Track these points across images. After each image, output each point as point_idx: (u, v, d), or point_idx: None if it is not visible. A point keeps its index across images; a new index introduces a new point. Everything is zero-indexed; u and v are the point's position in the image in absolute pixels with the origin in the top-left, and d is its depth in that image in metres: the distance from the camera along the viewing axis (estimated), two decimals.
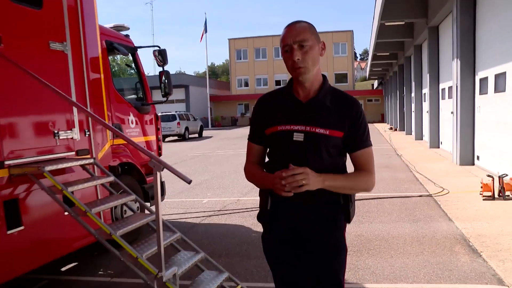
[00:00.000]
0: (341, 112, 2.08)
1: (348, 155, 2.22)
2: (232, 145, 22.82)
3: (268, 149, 2.26)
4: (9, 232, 3.71)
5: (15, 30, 3.93)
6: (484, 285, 4.00)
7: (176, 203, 8.43)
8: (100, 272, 4.90)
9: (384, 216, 6.57)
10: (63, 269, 5.06)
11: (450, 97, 13.27)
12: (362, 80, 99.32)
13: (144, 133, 6.53)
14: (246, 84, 56.71)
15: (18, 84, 3.87)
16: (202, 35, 40.32)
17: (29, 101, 4.00)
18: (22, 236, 3.82)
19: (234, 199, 8.64)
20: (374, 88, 66.48)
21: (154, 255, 3.63)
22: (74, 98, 4.52)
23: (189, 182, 3.13)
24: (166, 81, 6.48)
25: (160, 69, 6.45)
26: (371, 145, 2.16)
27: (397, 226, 5.96)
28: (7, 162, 3.70)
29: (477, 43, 10.73)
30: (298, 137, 2.04)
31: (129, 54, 6.36)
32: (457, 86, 11.33)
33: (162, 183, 6.75)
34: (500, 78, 9.03)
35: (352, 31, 54.83)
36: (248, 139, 2.31)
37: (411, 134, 21.97)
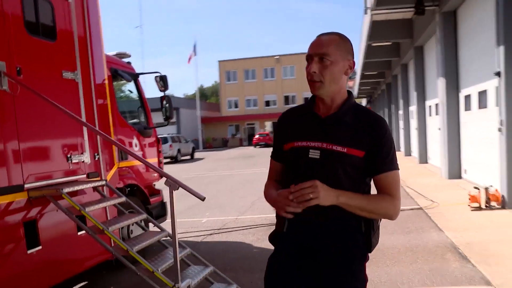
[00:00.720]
0: (362, 130, 1.91)
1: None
2: (225, 166, 23.06)
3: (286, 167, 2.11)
4: (29, 251, 3.93)
5: (32, 62, 4.22)
6: (473, 286, 4.33)
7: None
8: None
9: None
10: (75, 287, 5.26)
11: (436, 113, 13.74)
12: None
13: (147, 156, 6.80)
14: (236, 105, 57.28)
15: (35, 112, 4.15)
16: (191, 57, 40.88)
17: (45, 127, 4.28)
18: (40, 255, 4.04)
19: (233, 217, 8.88)
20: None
21: (167, 269, 3.90)
22: (83, 121, 4.80)
23: (203, 199, 3.42)
24: (167, 105, 6.80)
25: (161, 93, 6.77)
26: (398, 168, 1.96)
27: (391, 238, 6.26)
28: (26, 186, 3.95)
29: (459, 62, 11.25)
30: (314, 154, 1.91)
31: (132, 80, 6.66)
32: (443, 103, 11.80)
33: (164, 204, 7.01)
34: (482, 95, 9.50)
35: None
36: (271, 156, 2.19)
37: (400, 151, 22.44)
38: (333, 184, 1.85)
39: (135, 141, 6.47)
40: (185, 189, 3.52)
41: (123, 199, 4.54)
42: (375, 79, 31.16)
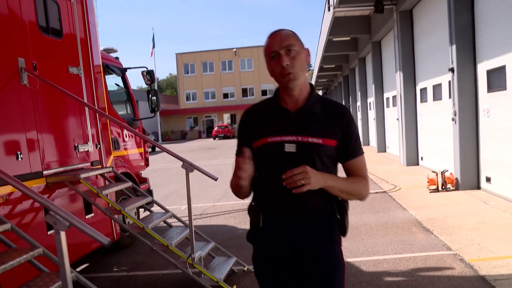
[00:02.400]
0: (332, 120, 1.98)
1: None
2: (188, 157, 23.20)
3: (255, 164, 1.98)
4: (49, 233, 4.30)
5: (44, 58, 4.55)
6: (437, 252, 5.10)
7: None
8: (114, 269, 5.52)
9: (349, 210, 7.58)
10: (78, 269, 5.62)
11: (394, 105, 14.72)
12: None
13: (135, 145, 7.18)
14: (194, 98, 57.26)
15: (49, 104, 4.51)
16: (152, 50, 40.64)
17: (57, 119, 4.64)
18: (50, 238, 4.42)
19: (210, 204, 9.37)
20: None
21: (177, 245, 4.39)
22: (87, 115, 5.18)
23: (216, 179, 3.94)
24: (154, 98, 7.20)
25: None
26: (363, 153, 2.07)
27: (362, 217, 6.98)
28: (45, 172, 4.31)
29: (416, 57, 12.20)
30: (290, 148, 1.91)
31: (122, 74, 7.01)
32: (401, 96, 12.74)
33: (151, 191, 7.43)
34: (437, 88, 10.44)
35: None
36: (235, 154, 2.08)
37: None
38: None
39: (125, 131, 6.84)
40: (200, 171, 4.03)
41: (129, 184, 4.96)
42: (332, 72, 32.20)
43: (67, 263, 2.37)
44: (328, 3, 14.06)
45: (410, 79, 12.32)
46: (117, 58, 7.15)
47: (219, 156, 21.76)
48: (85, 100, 5.21)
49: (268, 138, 1.96)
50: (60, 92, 4.63)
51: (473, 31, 8.26)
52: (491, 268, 4.43)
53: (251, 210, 2.09)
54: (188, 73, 57.03)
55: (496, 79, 7.58)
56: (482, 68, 8.02)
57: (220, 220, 7.80)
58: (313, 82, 48.11)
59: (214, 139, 44.38)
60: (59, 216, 2.19)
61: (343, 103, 30.13)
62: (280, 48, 1.91)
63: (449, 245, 5.28)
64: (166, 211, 5.02)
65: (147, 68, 7.08)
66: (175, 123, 52.98)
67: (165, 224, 5.10)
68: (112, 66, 6.70)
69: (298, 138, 1.92)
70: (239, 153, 2.03)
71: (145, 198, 4.90)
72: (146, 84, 7.15)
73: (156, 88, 7.22)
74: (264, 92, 55.92)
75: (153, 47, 41.28)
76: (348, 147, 2.00)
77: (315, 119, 1.97)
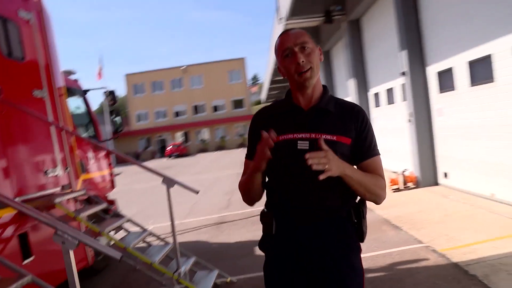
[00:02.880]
0: (346, 119, 1.90)
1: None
2: (145, 178, 22.99)
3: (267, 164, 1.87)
4: (24, 262, 4.15)
5: (8, 82, 4.42)
6: (410, 246, 5.34)
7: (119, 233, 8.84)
8: None
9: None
10: None
11: None
12: (255, 104, 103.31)
13: (101, 168, 7.04)
14: (146, 118, 56.45)
15: (16, 130, 4.38)
16: (100, 71, 39.68)
17: (25, 144, 4.51)
18: (33, 265, 4.27)
19: (178, 222, 9.23)
20: None
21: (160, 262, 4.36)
22: (54, 139, 5.06)
23: (197, 192, 3.95)
24: (116, 118, 7.11)
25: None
26: (380, 153, 1.97)
27: None
28: (16, 199, 4.18)
29: (367, 64, 12.71)
30: (303, 145, 1.82)
31: (83, 95, 6.89)
32: (355, 102, 13.17)
33: (119, 213, 7.28)
34: (390, 92, 10.91)
35: (244, 58, 57.56)
36: (245, 157, 2.05)
37: None
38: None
39: (91, 154, 6.70)
40: (181, 186, 4.02)
41: (105, 205, 4.88)
42: (283, 84, 32.79)
43: (77, 282, 2.32)
44: (280, 15, 14.39)
45: (363, 85, 12.80)
46: (76, 80, 7.02)
47: (177, 174, 21.52)
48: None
49: (280, 137, 1.84)
50: (29, 115, 4.53)
51: (421, 36, 8.74)
52: (462, 255, 4.69)
53: (263, 216, 1.98)
54: (137, 93, 56.24)
55: (446, 80, 8.04)
56: (433, 70, 8.49)
57: (191, 237, 7.76)
58: (264, 95, 48.61)
59: (168, 158, 43.84)
60: (67, 235, 2.13)
61: None
62: (294, 45, 1.84)
63: (419, 238, 5.53)
64: (144, 229, 4.97)
65: (108, 89, 6.99)
66: (127, 145, 51.89)
67: (144, 244, 5.04)
68: (73, 88, 6.58)
69: (311, 135, 1.84)
70: (250, 156, 1.99)
71: (122, 218, 4.83)
72: (109, 105, 7.04)
73: (118, 108, 7.13)
74: (215, 108, 56.01)
75: (102, 68, 40.34)
76: (363, 147, 1.91)
77: (329, 117, 1.90)
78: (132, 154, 51.01)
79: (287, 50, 1.86)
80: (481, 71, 6.87)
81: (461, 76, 7.46)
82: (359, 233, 1.91)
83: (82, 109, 7.25)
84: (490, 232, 5.34)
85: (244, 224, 8.17)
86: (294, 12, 12.80)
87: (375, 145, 1.95)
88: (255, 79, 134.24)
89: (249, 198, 2.00)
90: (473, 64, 7.12)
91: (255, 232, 7.35)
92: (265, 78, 35.12)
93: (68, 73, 7.12)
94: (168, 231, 8.41)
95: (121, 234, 5.49)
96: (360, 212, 1.91)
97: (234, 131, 53.81)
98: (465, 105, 7.45)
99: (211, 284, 4.47)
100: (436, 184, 8.81)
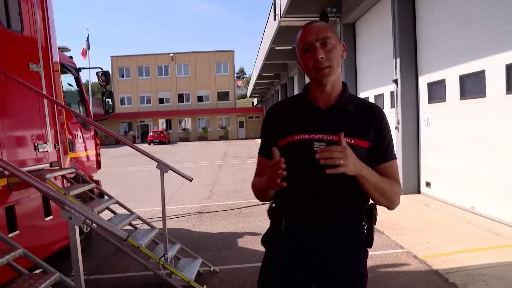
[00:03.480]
0: (365, 121, 1.83)
1: None
2: (125, 162, 22.89)
3: None
4: (9, 235, 4.10)
5: (5, 52, 4.34)
6: (392, 250, 5.46)
7: (105, 215, 8.77)
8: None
9: None
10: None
11: None
12: (239, 98, 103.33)
13: (88, 148, 6.98)
14: (129, 102, 55.85)
15: (11, 102, 4.32)
16: (84, 51, 39.04)
17: (18, 117, 4.45)
18: (17, 240, 4.21)
19: (159, 208, 9.16)
20: (254, 105, 69.83)
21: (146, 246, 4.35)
22: (47, 113, 4.99)
23: (191, 180, 3.96)
24: (108, 99, 7.05)
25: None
26: (396, 157, 1.92)
27: None
28: (6, 172, 4.12)
29: (358, 68, 12.84)
30: (319, 147, 1.72)
31: (77, 74, 6.80)
32: None
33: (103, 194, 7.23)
34: (379, 98, 11.04)
35: (234, 51, 57.44)
36: (258, 153, 2.01)
37: None
38: (340, 177, 1.65)
39: (79, 133, 6.64)
40: (175, 172, 4.02)
41: (93, 185, 4.85)
42: (270, 80, 32.85)
43: (80, 260, 2.32)
44: (275, 12, 14.41)
45: (352, 89, 12.91)
46: (71, 57, 6.92)
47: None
48: (45, 99, 5.04)
49: (295, 136, 1.80)
50: (24, 88, 4.45)
51: (416, 46, 8.88)
52: (442, 263, 4.81)
53: (272, 212, 1.93)
54: (123, 77, 55.58)
55: (436, 91, 8.19)
56: (424, 81, 8.64)
57: (172, 224, 7.74)
58: (250, 90, 48.46)
59: (149, 144, 43.50)
60: (75, 211, 2.12)
61: None
62: (316, 40, 1.76)
63: (401, 244, 5.65)
64: (132, 213, 4.96)
65: (102, 69, 6.92)
66: (108, 128, 50.03)
67: (129, 227, 5.02)
68: (68, 66, 6.49)
69: (328, 136, 1.76)
70: (263, 153, 1.96)
71: (109, 199, 4.81)
72: (101, 85, 6.97)
73: (111, 90, 7.07)
74: (200, 98, 55.81)
75: (88, 48, 39.71)
76: (381, 150, 1.85)
77: (348, 118, 1.83)
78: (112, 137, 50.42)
79: (307, 44, 1.78)
80: (473, 85, 7.02)
81: (452, 88, 7.60)
82: (369, 238, 1.89)
83: (74, 87, 7.16)
84: (470, 243, 5.49)
85: (226, 215, 8.20)
86: (290, 9, 12.85)
87: (392, 148, 1.90)
88: (241, 73, 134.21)
89: (262, 199, 1.94)
90: (465, 78, 7.26)
91: (238, 224, 7.40)
92: (253, 73, 35.13)
93: (63, 49, 7.02)
94: (149, 216, 8.41)
95: (105, 215, 5.48)
96: (372, 216, 1.89)
97: (217, 123, 53.71)
98: (453, 117, 7.60)
99: (195, 271, 4.49)
100: (418, 192, 8.97)
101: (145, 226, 5.17)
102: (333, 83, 1.83)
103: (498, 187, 6.40)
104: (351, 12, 11.89)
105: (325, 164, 1.57)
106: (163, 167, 3.96)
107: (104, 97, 7.07)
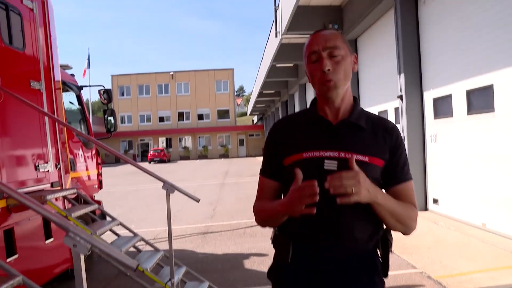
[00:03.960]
0: (380, 137, 1.67)
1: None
2: (126, 181, 22.72)
3: (285, 185, 1.65)
4: (8, 260, 3.94)
5: (6, 70, 4.24)
6: (404, 270, 5.27)
7: (107, 236, 8.59)
8: None
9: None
10: None
11: None
12: (239, 116, 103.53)
13: (90, 166, 6.83)
14: (129, 121, 55.88)
15: (11, 121, 4.20)
16: (85, 71, 39.22)
17: (18, 137, 4.32)
18: (16, 264, 4.05)
19: (162, 228, 9.05)
20: (255, 123, 69.87)
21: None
22: (48, 131, 4.87)
23: (198, 200, 3.81)
24: (110, 118, 6.92)
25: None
26: (412, 178, 1.73)
27: None
28: (5, 194, 3.97)
29: (360, 84, 12.77)
30: (330, 165, 1.58)
31: (79, 92, 6.70)
32: None
33: (104, 214, 7.06)
34: (383, 114, 10.94)
35: (233, 69, 57.73)
36: (260, 173, 1.82)
37: None
38: (354, 203, 1.49)
39: (80, 152, 6.50)
40: (181, 192, 3.87)
41: (96, 206, 4.69)
42: (271, 98, 32.85)
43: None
44: (276, 29, 14.42)
45: None
46: (72, 75, 6.83)
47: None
48: (46, 118, 4.92)
49: (303, 153, 1.62)
50: (25, 106, 4.34)
51: (420, 61, 8.80)
52: (458, 284, 4.63)
53: (277, 241, 1.73)
54: (123, 95, 55.72)
55: (442, 106, 8.08)
56: (429, 96, 8.53)
57: (176, 245, 7.53)
58: (250, 107, 48.41)
59: (150, 163, 43.35)
60: (80, 238, 1.95)
61: None
62: (323, 49, 1.61)
63: (413, 263, 5.46)
64: (135, 234, 4.79)
65: (104, 87, 6.81)
66: (108, 146, 51.12)
67: (133, 249, 4.85)
68: (69, 83, 6.39)
69: (340, 154, 1.59)
70: (266, 173, 1.77)
71: (113, 221, 4.64)
72: (103, 103, 6.86)
73: (113, 108, 6.95)
74: (200, 116, 55.84)
75: (88, 67, 39.91)
76: (396, 169, 1.67)
77: (361, 134, 1.66)
78: (113, 155, 50.31)
79: (314, 53, 1.63)
80: (480, 100, 6.91)
81: (459, 103, 7.50)
82: (385, 267, 1.72)
83: (75, 105, 7.05)
84: (485, 262, 5.30)
85: (230, 235, 8.01)
86: (292, 26, 12.83)
87: (408, 168, 1.71)
88: (240, 91, 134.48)
89: (271, 225, 1.74)
90: (472, 93, 7.16)
91: (243, 244, 7.21)
92: (253, 91, 35.18)
93: (65, 67, 6.94)
94: (151, 237, 8.21)
95: (107, 236, 5.31)
96: (387, 243, 1.70)
97: (217, 141, 53.63)
98: (461, 133, 7.48)
99: None
100: (426, 209, 8.79)
101: (148, 247, 5.00)
102: (342, 97, 1.68)
103: (511, 204, 6.23)
104: (353, 28, 11.88)
105: (335, 193, 1.40)
106: (169, 188, 3.81)
107: (106, 115, 6.95)
